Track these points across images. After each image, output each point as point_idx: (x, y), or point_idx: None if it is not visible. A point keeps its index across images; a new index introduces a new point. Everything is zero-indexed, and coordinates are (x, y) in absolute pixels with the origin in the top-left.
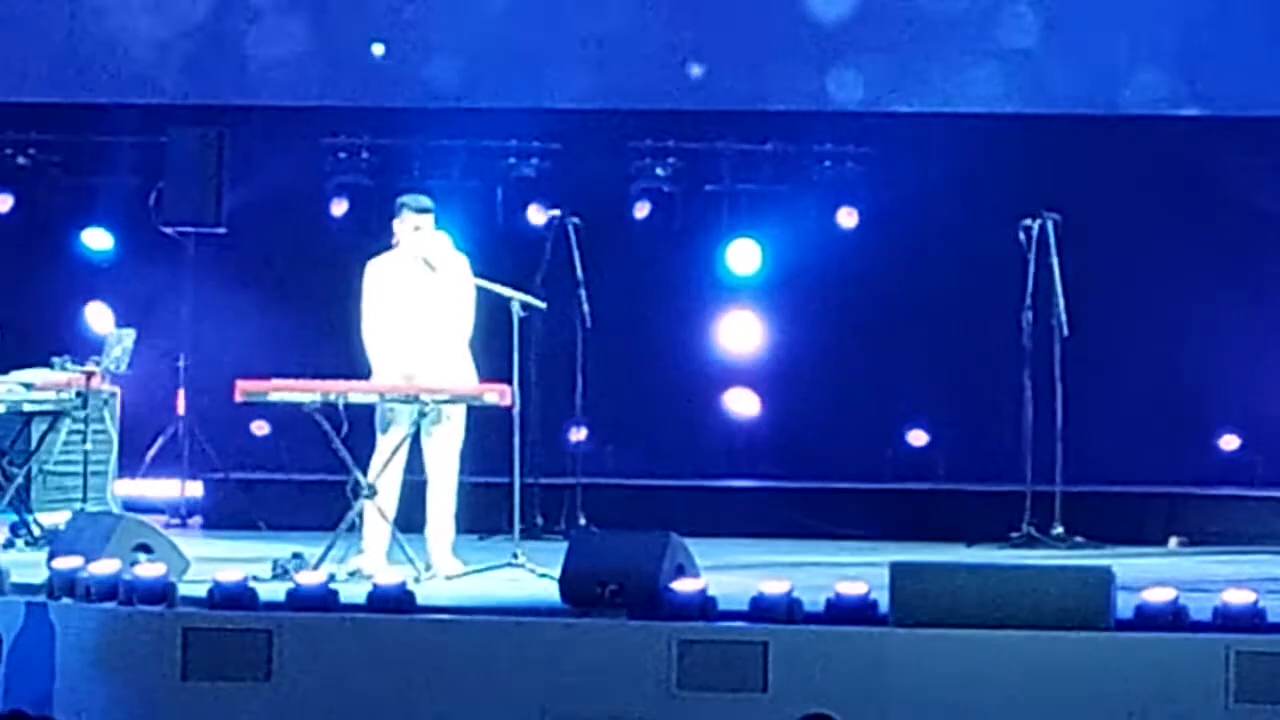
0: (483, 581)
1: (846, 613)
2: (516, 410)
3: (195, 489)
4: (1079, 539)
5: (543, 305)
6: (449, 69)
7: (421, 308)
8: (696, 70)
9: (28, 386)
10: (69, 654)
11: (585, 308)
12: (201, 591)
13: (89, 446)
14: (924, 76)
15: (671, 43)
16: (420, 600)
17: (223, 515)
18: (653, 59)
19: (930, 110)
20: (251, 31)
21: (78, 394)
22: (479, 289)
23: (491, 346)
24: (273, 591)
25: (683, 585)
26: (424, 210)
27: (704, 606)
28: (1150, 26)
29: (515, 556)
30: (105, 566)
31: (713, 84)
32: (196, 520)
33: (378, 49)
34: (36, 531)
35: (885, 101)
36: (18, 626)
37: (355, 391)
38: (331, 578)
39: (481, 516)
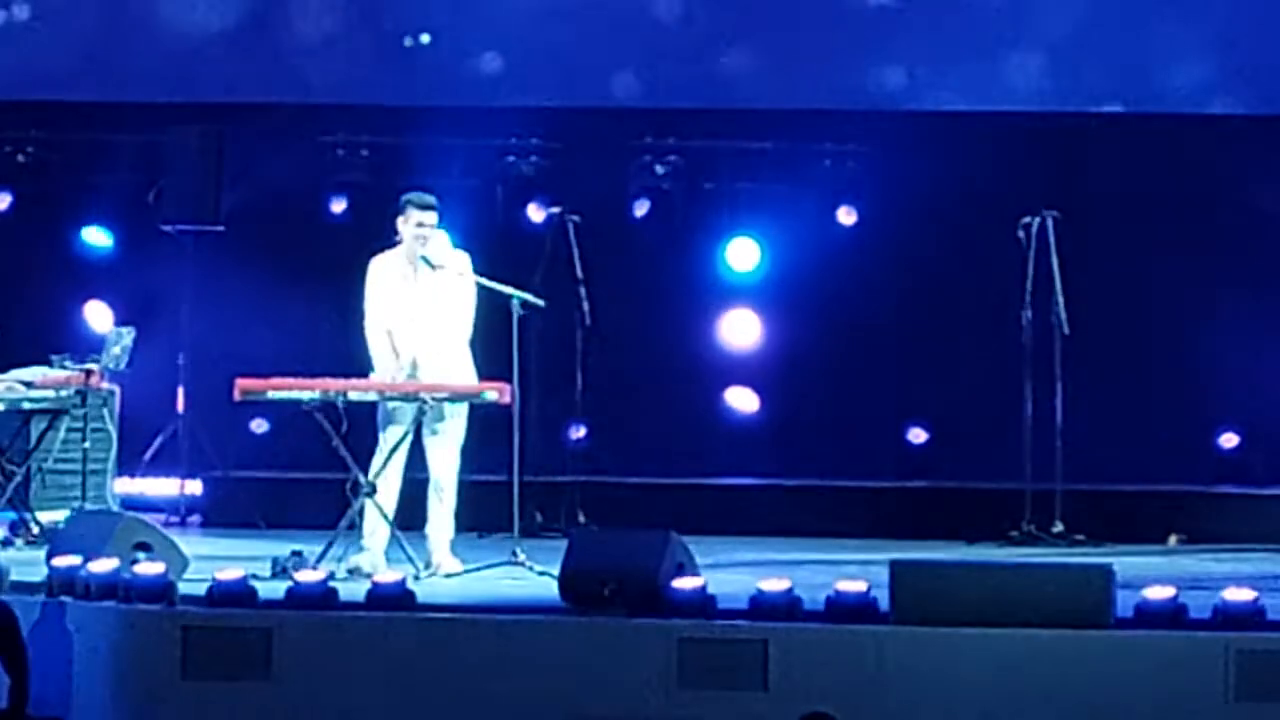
0: (482, 580)
1: (847, 611)
2: (516, 408)
3: (194, 487)
4: (1079, 537)
5: (542, 303)
6: (449, 68)
7: (423, 306)
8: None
9: (27, 385)
10: (69, 654)
11: (585, 306)
12: (201, 590)
13: (88, 445)
14: (930, 76)
15: (673, 41)
16: (420, 598)
17: (222, 513)
18: (654, 57)
19: (930, 109)
20: (251, 31)
21: (77, 392)
22: (479, 287)
23: (491, 344)
24: (272, 590)
25: (682, 583)
26: (427, 207)
27: (704, 605)
28: (1157, 26)
29: (515, 555)
30: (104, 565)
31: (713, 82)
32: (196, 518)
33: (424, 38)
34: (36, 530)
35: (887, 100)
36: (27, 625)
37: (354, 389)
38: (331, 576)
39: (481, 515)
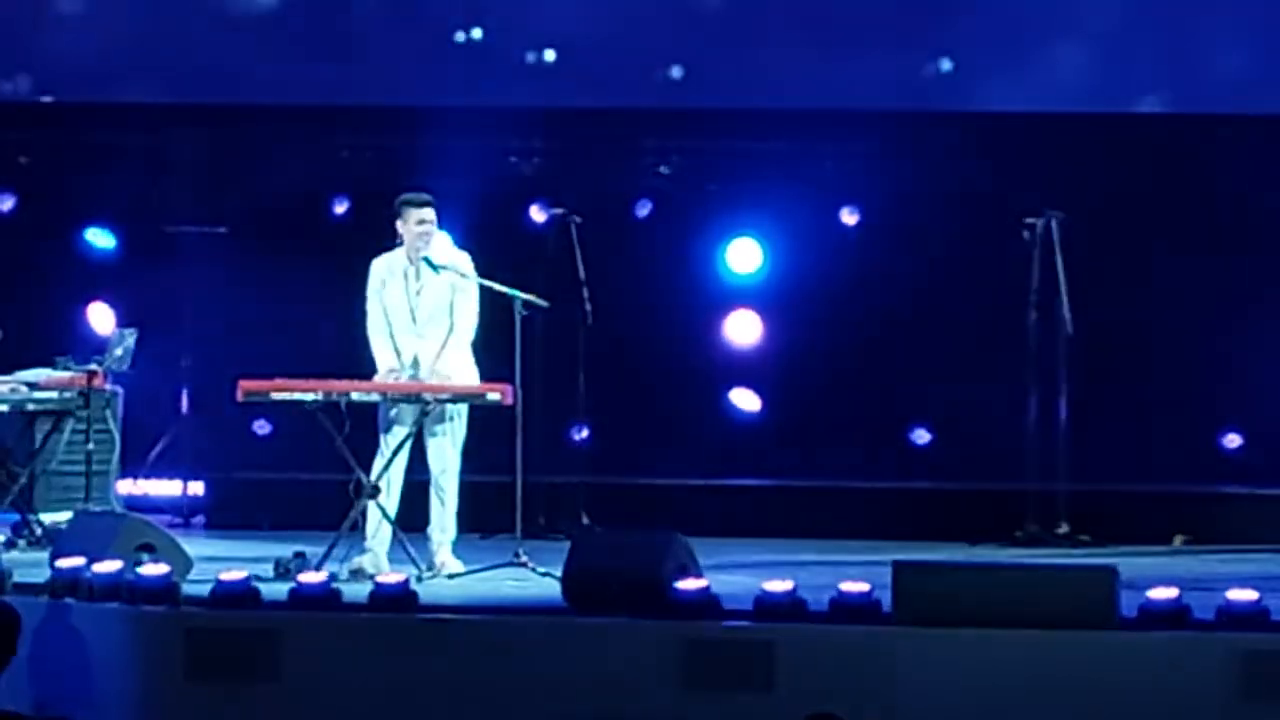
0: (485, 581)
1: (850, 612)
2: (518, 409)
3: (198, 488)
4: (1083, 538)
5: (545, 304)
6: (449, 68)
7: (425, 306)
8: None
9: (31, 386)
10: (72, 655)
11: (587, 306)
12: (205, 591)
13: (92, 446)
14: (928, 75)
15: (678, 38)
16: (423, 600)
17: (225, 515)
18: (654, 57)
19: (933, 108)
20: (251, 31)
21: (80, 394)
22: (481, 288)
23: (493, 345)
24: (276, 591)
25: (686, 585)
26: (425, 204)
27: (708, 606)
28: (1154, 25)
29: (517, 556)
30: (108, 566)
31: (714, 82)
32: (199, 520)
33: (475, 33)
34: (39, 531)
35: (887, 99)
36: (31, 626)
37: (357, 390)
38: (334, 577)
39: (484, 516)
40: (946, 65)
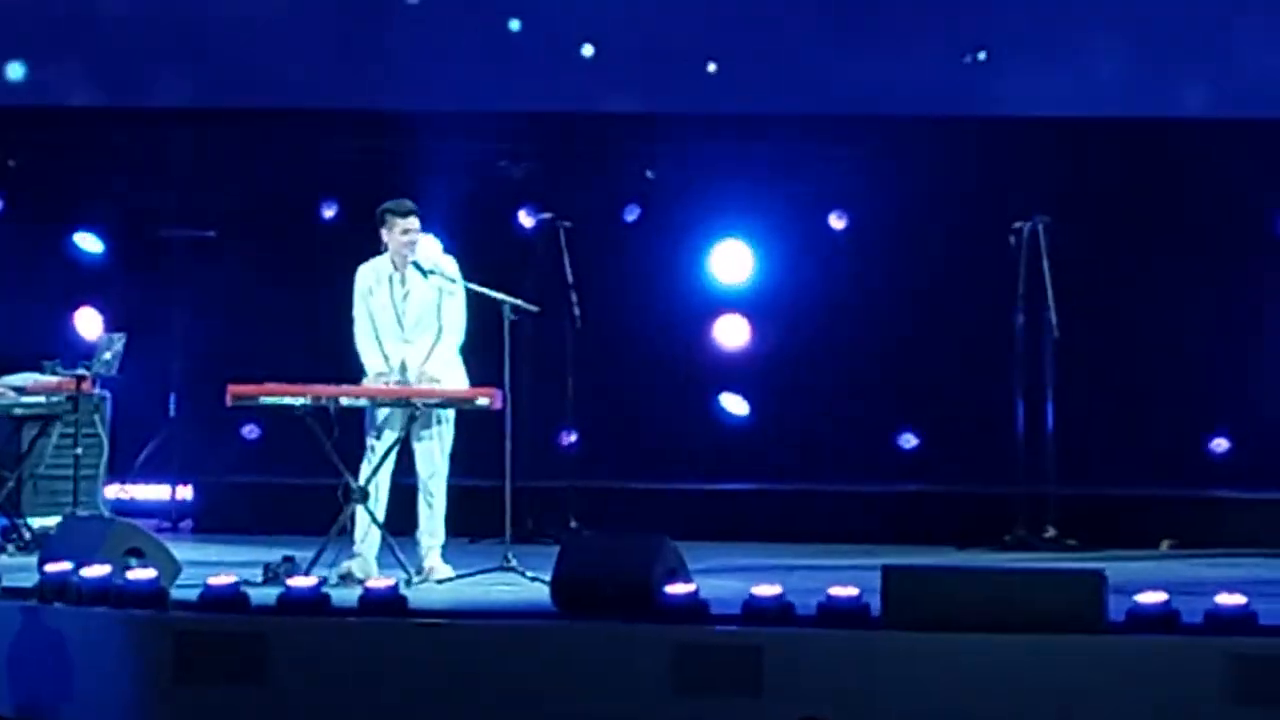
0: (474, 585)
1: (839, 616)
2: (507, 414)
3: (186, 493)
4: (1071, 542)
5: (534, 309)
6: (441, 72)
7: (412, 311)
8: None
9: (19, 391)
10: (61, 659)
11: (576, 311)
12: (193, 595)
13: (80, 450)
14: (921, 77)
15: (666, 42)
16: (412, 604)
17: (214, 519)
18: (646, 60)
19: (921, 113)
20: (243, 32)
21: (69, 398)
22: (469, 292)
23: (482, 350)
24: (264, 596)
25: (675, 589)
26: (409, 213)
27: (697, 610)
28: (1148, 26)
29: (506, 560)
30: (96, 571)
31: (705, 85)
32: (187, 524)
33: (514, 24)
34: (27, 536)
35: (876, 103)
36: (13, 631)
37: (346, 395)
38: (323, 581)
39: (473, 520)
40: (981, 56)
